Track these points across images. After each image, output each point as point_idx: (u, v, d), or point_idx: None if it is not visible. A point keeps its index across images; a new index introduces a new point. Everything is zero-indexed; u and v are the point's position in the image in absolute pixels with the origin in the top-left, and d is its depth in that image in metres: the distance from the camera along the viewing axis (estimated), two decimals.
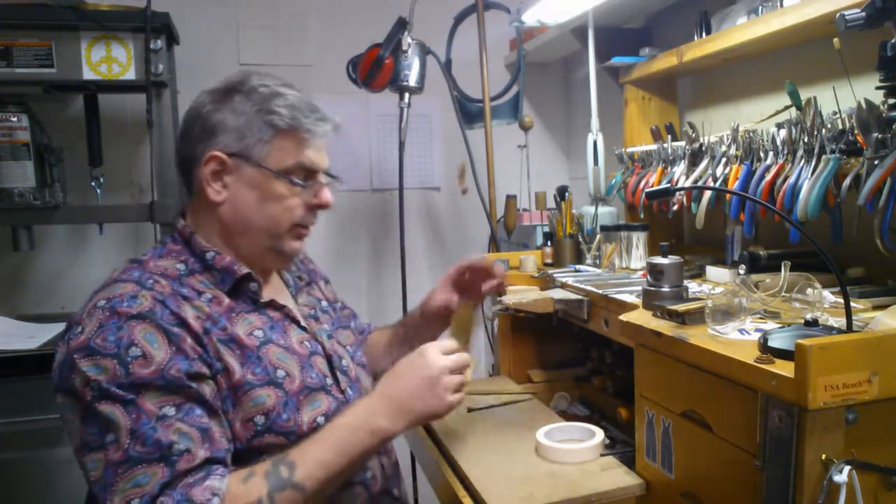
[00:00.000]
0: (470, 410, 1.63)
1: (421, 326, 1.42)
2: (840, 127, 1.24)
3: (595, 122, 2.05)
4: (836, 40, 1.20)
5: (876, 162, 1.13)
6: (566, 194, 2.00)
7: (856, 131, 1.19)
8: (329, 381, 1.13)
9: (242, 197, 1.09)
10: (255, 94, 1.09)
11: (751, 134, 1.47)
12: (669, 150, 1.78)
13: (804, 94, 1.32)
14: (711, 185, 1.55)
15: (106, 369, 0.91)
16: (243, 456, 1.00)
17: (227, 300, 1.07)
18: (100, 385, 0.91)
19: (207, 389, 0.97)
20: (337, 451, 1.00)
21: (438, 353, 1.08)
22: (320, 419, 1.07)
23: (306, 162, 1.11)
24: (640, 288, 1.37)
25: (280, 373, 1.05)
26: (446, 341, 1.13)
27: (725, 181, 1.50)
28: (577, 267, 1.89)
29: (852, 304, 1.02)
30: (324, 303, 1.31)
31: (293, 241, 1.14)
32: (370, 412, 1.04)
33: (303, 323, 1.17)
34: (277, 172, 1.08)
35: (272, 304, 1.13)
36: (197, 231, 1.11)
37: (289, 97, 1.10)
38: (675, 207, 1.70)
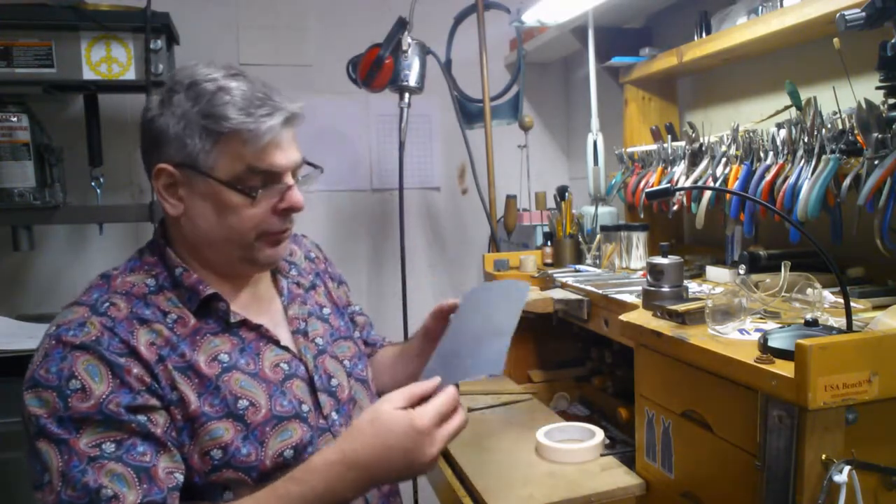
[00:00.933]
0: (470, 410, 1.63)
1: (424, 345, 1.26)
2: (840, 127, 1.24)
3: (595, 122, 2.05)
4: (836, 40, 1.20)
5: (876, 162, 1.13)
6: (566, 194, 2.00)
7: (856, 131, 1.19)
8: (305, 407, 1.03)
9: (198, 210, 0.99)
10: (195, 91, 0.96)
11: (751, 134, 1.47)
12: (669, 150, 1.78)
13: (804, 94, 1.32)
14: (711, 185, 1.55)
15: (47, 402, 0.88)
16: (204, 490, 0.95)
17: (192, 321, 0.99)
18: (38, 421, 0.88)
19: (160, 420, 0.91)
20: None
21: (427, 415, 0.90)
22: (288, 452, 0.98)
23: (261, 166, 0.97)
24: (640, 288, 1.37)
25: (242, 403, 0.96)
26: (415, 386, 0.94)
27: (725, 181, 1.50)
28: (577, 267, 1.89)
29: (852, 304, 1.02)
30: (325, 310, 1.19)
31: (267, 249, 1.03)
32: (332, 481, 0.90)
33: (284, 342, 1.06)
34: (227, 182, 0.96)
35: (245, 324, 1.03)
36: (172, 243, 1.04)
37: (234, 92, 0.96)
38: (675, 207, 1.70)
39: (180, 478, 0.92)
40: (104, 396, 0.88)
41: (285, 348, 1.07)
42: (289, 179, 1.01)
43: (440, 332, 1.13)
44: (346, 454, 0.90)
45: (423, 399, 0.93)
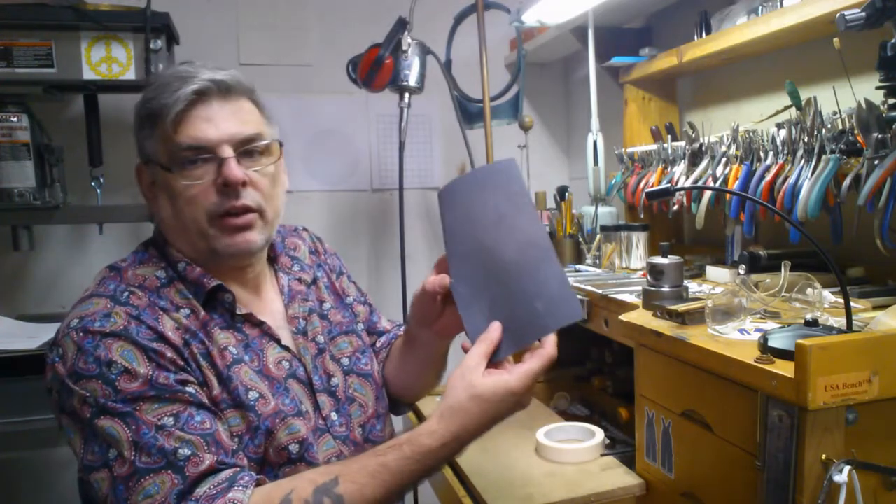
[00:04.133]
0: None
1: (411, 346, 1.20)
2: (840, 127, 1.24)
3: (595, 122, 2.05)
4: (836, 40, 1.20)
5: (876, 162, 1.13)
6: (566, 194, 2.00)
7: (856, 131, 1.19)
8: (304, 408, 1.03)
9: (160, 203, 1.00)
10: (148, 86, 0.99)
11: (751, 134, 1.47)
12: (669, 150, 1.78)
13: (804, 94, 1.32)
14: (711, 185, 1.55)
15: (94, 391, 0.88)
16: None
17: (202, 313, 1.00)
18: (97, 401, 0.88)
19: (201, 393, 0.93)
20: (388, 485, 0.88)
21: (518, 383, 0.91)
22: (293, 447, 0.98)
23: (181, 139, 0.95)
24: (640, 288, 1.37)
25: (252, 394, 0.97)
26: (484, 344, 0.92)
27: (725, 181, 1.50)
28: (577, 267, 1.89)
29: (852, 304, 1.02)
30: (326, 304, 1.18)
31: (224, 238, 0.99)
32: (440, 448, 0.89)
33: (284, 341, 1.07)
34: (164, 165, 0.96)
35: (249, 319, 1.04)
36: (173, 240, 1.05)
37: (160, 77, 0.97)
38: (675, 207, 1.70)
39: (235, 441, 0.94)
40: (150, 374, 0.89)
41: (286, 348, 1.07)
42: (225, 152, 0.96)
43: (436, 315, 1.08)
44: (457, 434, 0.89)
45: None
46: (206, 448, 0.88)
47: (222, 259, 1.03)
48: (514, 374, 0.91)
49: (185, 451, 0.87)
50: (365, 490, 0.86)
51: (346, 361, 1.15)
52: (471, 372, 0.90)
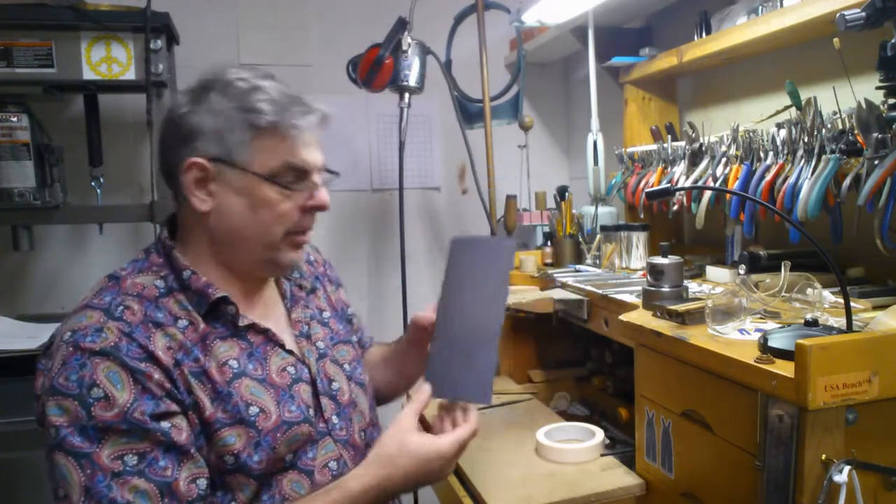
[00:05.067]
0: None
1: (409, 350, 1.25)
2: (840, 127, 1.24)
3: (595, 122, 2.05)
4: (836, 40, 1.20)
5: (876, 162, 1.13)
6: (566, 194, 2.00)
7: (856, 131, 1.19)
8: (311, 411, 1.03)
9: (229, 205, 0.99)
10: (231, 89, 0.98)
11: (751, 134, 1.47)
12: (669, 150, 1.78)
13: (804, 94, 1.32)
14: (711, 185, 1.55)
15: (67, 411, 0.86)
16: (221, 484, 0.95)
17: (202, 325, 0.98)
18: (58, 432, 0.85)
19: (182, 425, 0.91)
20: None
21: (449, 443, 0.98)
22: (289, 456, 0.99)
23: (296, 161, 1.00)
24: (640, 288, 1.37)
25: (253, 409, 0.96)
26: (416, 404, 1.02)
27: (725, 181, 1.50)
28: (577, 267, 1.89)
29: (852, 304, 1.02)
30: (325, 313, 1.19)
31: (290, 252, 1.04)
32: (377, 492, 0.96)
33: (288, 346, 1.07)
34: (265, 176, 0.98)
35: (253, 328, 1.03)
36: (185, 242, 1.04)
37: (269, 90, 0.99)
38: (675, 207, 1.70)
39: (203, 484, 0.91)
40: (128, 405, 0.87)
41: (290, 352, 1.06)
42: (316, 178, 1.03)
43: (423, 341, 1.15)
44: (380, 481, 0.96)
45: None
46: (160, 500, 0.87)
47: (275, 269, 1.07)
48: (446, 439, 0.99)
49: None
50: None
51: (347, 367, 1.15)
52: (404, 430, 0.99)
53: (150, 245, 1.06)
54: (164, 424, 0.89)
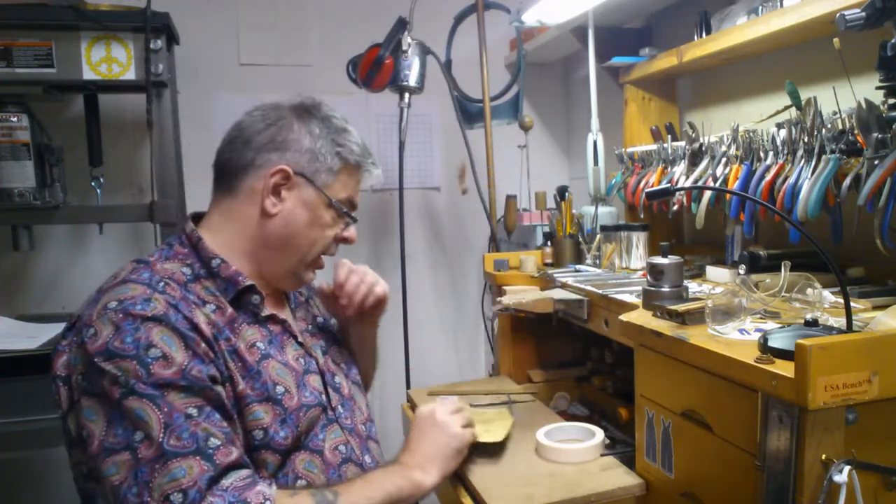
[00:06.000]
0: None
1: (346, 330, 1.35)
2: (840, 127, 1.24)
3: (595, 122, 2.05)
4: (836, 40, 1.20)
5: (876, 162, 1.13)
6: (566, 194, 2.00)
7: (856, 131, 1.19)
8: (324, 398, 1.12)
9: (295, 215, 1.10)
10: (329, 123, 1.14)
11: (751, 134, 1.47)
12: (669, 150, 1.78)
13: (804, 94, 1.32)
14: (711, 185, 1.55)
15: (127, 371, 0.89)
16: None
17: (230, 310, 1.05)
18: (127, 381, 0.89)
19: (224, 394, 0.97)
20: (380, 491, 1.03)
21: (429, 407, 1.22)
22: (304, 437, 1.06)
23: (355, 199, 1.17)
24: (640, 288, 1.37)
25: (279, 388, 1.04)
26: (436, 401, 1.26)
27: (725, 181, 1.50)
28: (577, 267, 1.89)
29: (852, 304, 1.02)
30: (319, 319, 1.29)
31: (311, 273, 1.18)
32: (404, 467, 1.11)
33: (300, 338, 1.15)
34: (335, 202, 1.12)
35: (272, 318, 1.12)
36: (217, 237, 1.10)
37: (355, 135, 1.16)
38: (675, 207, 1.70)
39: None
40: (185, 363, 0.92)
41: (301, 344, 1.15)
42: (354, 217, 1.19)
43: (339, 308, 1.29)
44: (405, 449, 1.18)
45: None
46: (226, 443, 0.92)
47: (294, 282, 1.17)
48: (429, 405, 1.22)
49: (216, 441, 0.90)
50: (353, 485, 1.03)
51: (343, 367, 1.25)
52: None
53: (170, 238, 1.13)
54: (217, 387, 0.95)
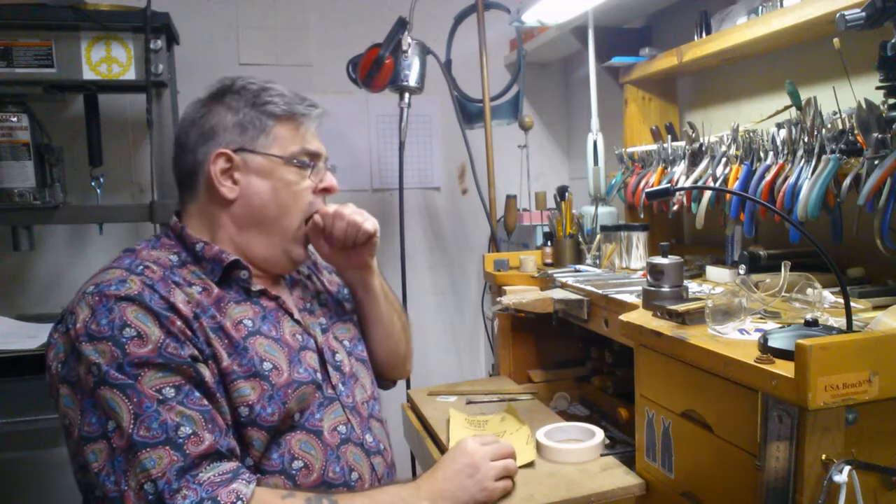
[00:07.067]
0: (468, 403, 1.64)
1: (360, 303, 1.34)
2: (840, 127, 1.24)
3: (595, 122, 2.05)
4: (836, 40, 1.20)
5: (876, 162, 1.13)
6: (566, 194, 2.00)
7: (856, 131, 1.19)
8: (319, 376, 1.12)
9: (254, 188, 1.10)
10: (245, 91, 1.12)
11: (751, 134, 1.47)
12: (669, 150, 1.78)
13: (804, 94, 1.32)
14: (711, 185, 1.55)
15: (103, 352, 0.91)
16: (237, 440, 0.99)
17: (216, 290, 1.06)
18: (100, 369, 0.90)
19: (206, 371, 0.97)
20: None
21: (476, 443, 1.12)
22: (297, 415, 1.06)
23: (310, 147, 1.14)
24: (640, 288, 1.37)
25: (266, 365, 1.04)
26: (486, 436, 1.18)
27: (725, 181, 1.50)
28: (577, 267, 1.89)
29: (852, 304, 1.02)
30: (323, 295, 1.29)
31: (300, 247, 1.17)
32: (417, 494, 1.04)
33: (296, 315, 1.16)
34: (285, 158, 1.11)
35: (265, 294, 1.12)
36: (197, 234, 1.11)
37: (277, 88, 1.13)
38: (675, 207, 1.70)
39: (228, 429, 0.98)
40: (161, 340, 0.93)
41: (297, 321, 1.15)
42: (324, 164, 1.17)
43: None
44: (426, 476, 1.10)
45: None
46: (204, 426, 0.92)
47: (287, 262, 1.16)
48: (473, 440, 1.14)
49: (186, 430, 0.90)
50: (354, 497, 1.01)
51: (347, 344, 1.24)
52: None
53: (159, 232, 1.16)
54: (198, 364, 0.96)
